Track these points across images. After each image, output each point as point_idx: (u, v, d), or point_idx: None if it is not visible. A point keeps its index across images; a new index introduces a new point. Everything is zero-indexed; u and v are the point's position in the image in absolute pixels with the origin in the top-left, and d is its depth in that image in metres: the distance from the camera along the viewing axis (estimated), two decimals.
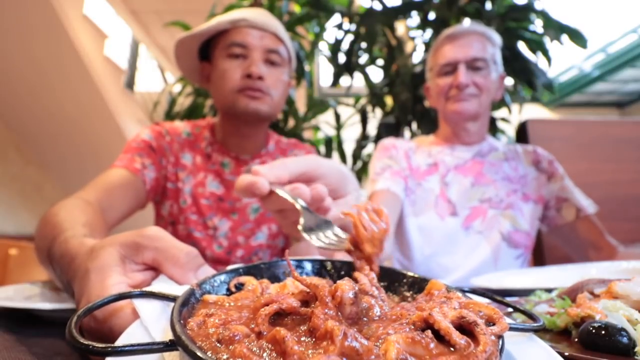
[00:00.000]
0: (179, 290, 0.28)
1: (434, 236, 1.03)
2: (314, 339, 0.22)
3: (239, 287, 0.32)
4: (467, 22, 1.08)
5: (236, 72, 0.87)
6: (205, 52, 0.97)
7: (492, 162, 1.10)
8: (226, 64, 0.88)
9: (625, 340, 0.29)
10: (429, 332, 0.22)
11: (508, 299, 0.42)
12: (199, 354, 0.19)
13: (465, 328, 0.23)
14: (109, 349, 0.21)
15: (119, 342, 0.23)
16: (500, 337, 0.23)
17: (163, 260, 0.35)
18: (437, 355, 0.21)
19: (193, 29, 0.92)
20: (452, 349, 0.21)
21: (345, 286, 0.25)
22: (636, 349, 0.29)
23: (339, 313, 0.24)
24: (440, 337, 0.22)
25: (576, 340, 0.32)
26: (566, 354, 0.28)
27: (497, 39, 1.08)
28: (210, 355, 0.20)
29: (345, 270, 0.36)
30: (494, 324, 0.24)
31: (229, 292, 0.31)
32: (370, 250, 0.34)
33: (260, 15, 0.92)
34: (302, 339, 0.22)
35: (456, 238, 1.02)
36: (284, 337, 0.20)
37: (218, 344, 0.22)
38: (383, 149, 1.15)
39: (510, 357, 0.25)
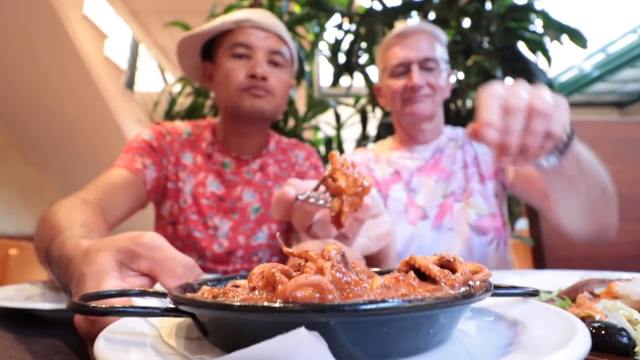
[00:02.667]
0: None
1: (409, 244, 1.01)
2: None
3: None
4: (413, 20, 1.05)
5: (240, 72, 0.88)
6: (208, 52, 0.97)
7: (448, 153, 1.09)
8: (230, 63, 0.89)
9: (625, 340, 0.29)
10: (411, 273, 0.25)
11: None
12: (189, 297, 0.21)
13: (445, 267, 0.26)
14: (110, 309, 0.22)
15: (114, 326, 0.24)
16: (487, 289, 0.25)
17: (159, 272, 0.34)
18: (419, 287, 0.23)
19: (196, 29, 0.92)
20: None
21: (333, 248, 0.27)
22: (636, 349, 0.29)
23: None
24: (423, 278, 0.25)
25: None
26: None
27: (443, 36, 1.08)
28: (204, 297, 0.23)
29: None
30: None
31: None
32: (344, 182, 0.36)
33: (263, 16, 0.92)
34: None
35: (430, 241, 1.01)
36: (273, 273, 0.23)
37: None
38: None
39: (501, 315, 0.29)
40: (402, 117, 1.06)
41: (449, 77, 1.09)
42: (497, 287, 0.28)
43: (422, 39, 1.03)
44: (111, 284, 0.32)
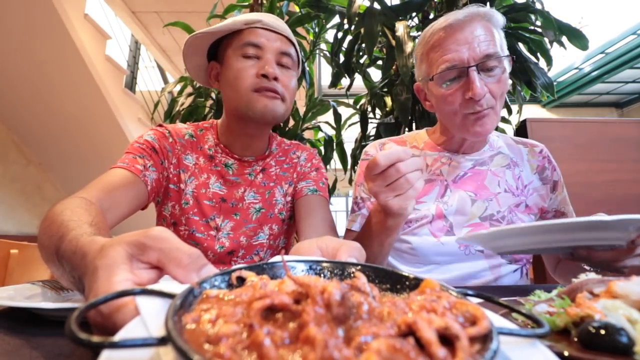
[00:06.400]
0: (180, 289, 0.28)
1: (428, 256, 0.94)
2: (298, 339, 0.22)
3: (240, 282, 0.32)
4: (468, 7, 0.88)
5: (251, 71, 0.87)
6: (213, 52, 0.97)
7: (494, 171, 0.98)
8: (240, 63, 0.88)
9: (624, 339, 0.29)
10: (411, 339, 0.22)
11: (506, 299, 0.43)
12: (184, 349, 0.20)
13: (448, 338, 0.23)
14: (105, 343, 0.22)
15: (117, 337, 0.24)
16: (485, 338, 0.23)
17: (166, 262, 0.36)
18: None
19: (206, 28, 0.92)
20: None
21: (333, 288, 0.26)
22: (635, 349, 0.29)
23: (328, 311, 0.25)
24: (422, 344, 0.23)
25: (575, 339, 0.32)
26: (566, 353, 0.28)
27: (500, 18, 0.88)
28: (195, 354, 0.21)
29: (340, 270, 0.37)
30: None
31: (231, 287, 0.32)
32: None
33: (273, 19, 0.93)
34: (286, 340, 0.23)
35: (453, 258, 0.93)
36: (262, 341, 0.21)
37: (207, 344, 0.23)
38: (365, 166, 1.04)
39: None
40: (461, 133, 0.91)
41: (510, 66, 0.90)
42: (502, 327, 0.26)
43: (477, 28, 0.84)
44: (121, 276, 0.34)
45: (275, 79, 0.87)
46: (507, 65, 0.87)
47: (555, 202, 1.00)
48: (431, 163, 1.00)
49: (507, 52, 0.87)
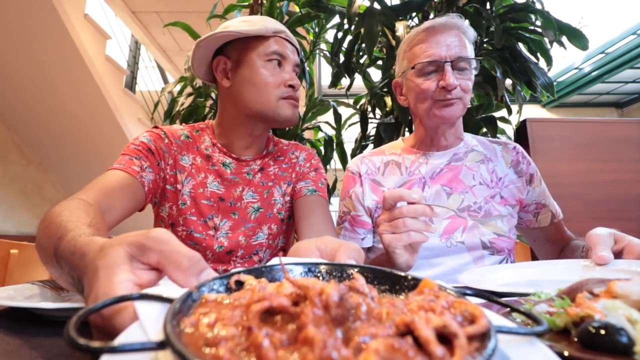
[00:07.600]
0: (179, 293, 0.28)
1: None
2: (297, 340, 0.22)
3: (239, 286, 0.32)
4: (449, 15, 1.01)
5: (278, 79, 0.93)
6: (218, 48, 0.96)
7: (469, 165, 1.04)
8: (268, 70, 0.93)
9: (624, 339, 0.29)
10: (409, 339, 0.22)
11: (506, 299, 0.43)
12: (183, 352, 0.20)
13: (446, 337, 0.23)
14: (105, 348, 0.22)
15: (116, 342, 0.24)
16: (484, 336, 0.23)
17: (166, 264, 0.35)
18: None
19: (235, 28, 0.92)
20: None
21: (332, 290, 0.25)
22: (635, 349, 0.29)
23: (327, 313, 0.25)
24: (420, 343, 0.23)
25: (575, 339, 0.32)
26: (566, 353, 0.28)
27: (472, 32, 1.02)
28: (194, 357, 0.20)
29: (338, 272, 0.37)
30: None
31: (229, 291, 0.32)
32: None
33: (289, 31, 1.00)
34: (285, 342, 0.23)
35: (436, 251, 0.96)
36: (261, 342, 0.21)
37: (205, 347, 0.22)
38: (347, 182, 1.09)
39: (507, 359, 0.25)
40: (429, 119, 1.00)
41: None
42: (501, 326, 0.26)
43: (453, 35, 0.97)
44: (121, 277, 0.34)
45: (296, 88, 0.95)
46: (474, 72, 1.00)
47: (534, 194, 1.04)
48: (410, 164, 1.07)
49: (474, 60, 1.01)
